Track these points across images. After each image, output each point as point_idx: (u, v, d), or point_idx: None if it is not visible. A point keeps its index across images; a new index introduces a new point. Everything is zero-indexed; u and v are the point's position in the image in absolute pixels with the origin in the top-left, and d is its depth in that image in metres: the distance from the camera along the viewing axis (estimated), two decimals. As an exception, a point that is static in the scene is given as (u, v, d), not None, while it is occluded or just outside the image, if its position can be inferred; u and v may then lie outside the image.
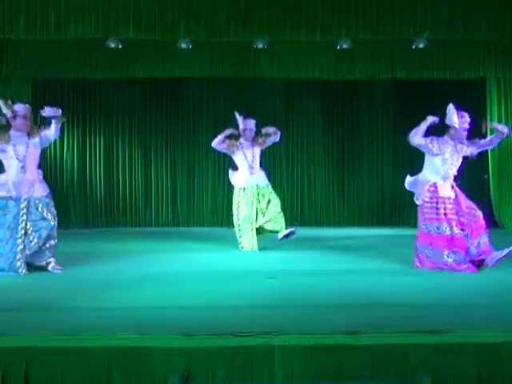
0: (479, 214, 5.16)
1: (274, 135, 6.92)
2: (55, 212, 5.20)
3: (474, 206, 5.20)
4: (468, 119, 5.22)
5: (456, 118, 5.17)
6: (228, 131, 6.84)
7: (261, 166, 6.95)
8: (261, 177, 6.89)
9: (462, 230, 5.06)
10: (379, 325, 3.13)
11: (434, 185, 5.24)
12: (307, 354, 2.84)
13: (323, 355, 2.85)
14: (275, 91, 10.57)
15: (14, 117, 5.08)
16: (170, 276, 4.94)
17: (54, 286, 4.48)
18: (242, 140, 6.83)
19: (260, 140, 6.88)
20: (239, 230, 6.76)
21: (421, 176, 5.39)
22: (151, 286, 4.48)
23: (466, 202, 5.18)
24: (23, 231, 4.98)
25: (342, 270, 5.26)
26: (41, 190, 5.14)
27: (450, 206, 5.13)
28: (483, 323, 3.19)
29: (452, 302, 3.89)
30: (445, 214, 5.12)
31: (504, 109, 9.50)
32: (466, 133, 5.24)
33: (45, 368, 2.82)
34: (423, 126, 5.26)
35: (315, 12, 7.13)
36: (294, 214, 10.61)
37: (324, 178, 10.79)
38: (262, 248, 6.67)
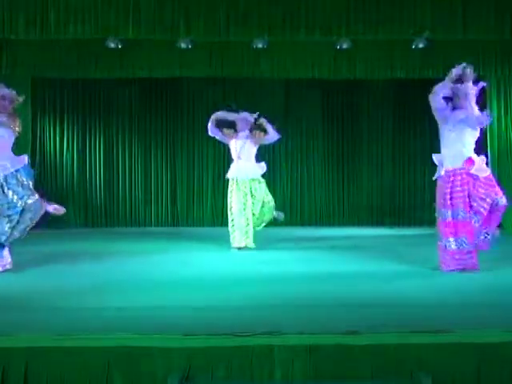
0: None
1: (270, 135, 6.88)
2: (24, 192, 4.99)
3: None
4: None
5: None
6: (213, 116, 6.83)
7: (257, 160, 6.94)
8: (251, 169, 6.83)
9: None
10: (379, 325, 3.13)
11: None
12: (307, 354, 2.84)
13: (323, 355, 2.85)
14: (275, 91, 10.57)
15: None
16: (169, 276, 4.94)
17: (53, 286, 4.48)
18: (238, 131, 6.85)
19: (257, 135, 6.85)
20: (232, 226, 6.71)
21: None
22: (151, 285, 4.48)
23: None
24: None
25: (342, 270, 5.26)
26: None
27: None
28: (483, 323, 3.19)
29: (452, 302, 3.89)
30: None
31: (504, 108, 9.49)
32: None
33: (45, 368, 2.82)
34: None
35: (315, 12, 7.13)
36: (294, 214, 10.63)
37: (324, 177, 10.79)
38: (261, 248, 6.67)
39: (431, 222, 10.05)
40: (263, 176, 7.00)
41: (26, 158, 5.20)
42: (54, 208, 5.11)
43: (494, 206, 4.97)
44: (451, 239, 4.94)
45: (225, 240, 6.84)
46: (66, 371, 2.82)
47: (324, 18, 7.14)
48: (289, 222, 10.37)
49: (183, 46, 8.13)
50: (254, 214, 6.73)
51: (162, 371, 2.81)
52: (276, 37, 7.54)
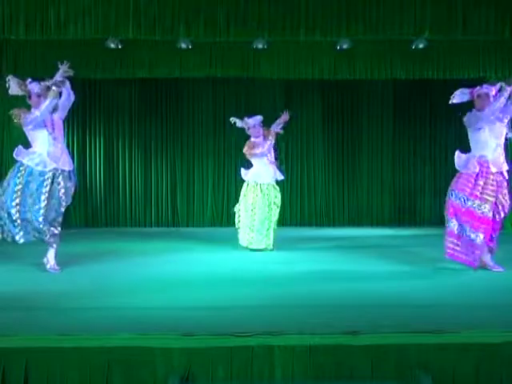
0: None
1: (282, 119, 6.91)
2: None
3: None
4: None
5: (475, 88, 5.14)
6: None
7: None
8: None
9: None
10: (379, 325, 3.14)
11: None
12: (307, 353, 2.84)
13: (323, 355, 2.85)
14: (275, 91, 10.57)
15: (29, 96, 5.12)
16: (169, 276, 4.94)
17: (53, 286, 4.48)
18: (253, 139, 6.85)
19: (266, 132, 6.86)
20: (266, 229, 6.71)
21: None
22: (151, 286, 4.48)
23: None
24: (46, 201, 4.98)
25: (342, 270, 5.26)
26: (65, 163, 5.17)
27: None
28: (483, 323, 3.20)
29: (452, 301, 3.90)
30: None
31: None
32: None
33: (45, 368, 2.82)
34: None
35: (315, 12, 7.13)
36: (294, 214, 10.63)
37: (324, 178, 10.78)
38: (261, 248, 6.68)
39: (431, 222, 10.10)
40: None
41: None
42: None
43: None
44: (480, 234, 5.00)
45: (225, 240, 6.84)
46: (66, 371, 2.83)
47: (324, 18, 7.13)
48: (289, 222, 10.40)
49: (183, 46, 8.13)
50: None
51: (161, 371, 2.82)
52: (276, 37, 7.53)
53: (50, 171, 5.04)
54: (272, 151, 6.92)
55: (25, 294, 4.21)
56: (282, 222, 10.17)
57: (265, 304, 3.83)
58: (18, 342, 2.88)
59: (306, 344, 2.86)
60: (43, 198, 4.97)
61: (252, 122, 6.84)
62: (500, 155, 5.14)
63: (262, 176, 6.78)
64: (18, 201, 4.91)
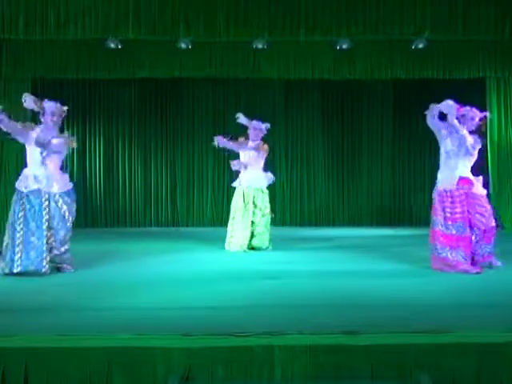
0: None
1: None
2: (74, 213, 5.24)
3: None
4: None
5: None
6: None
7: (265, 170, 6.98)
8: (256, 178, 6.85)
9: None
10: (379, 325, 3.13)
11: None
12: (307, 353, 2.84)
13: (323, 355, 2.84)
14: (275, 91, 10.57)
15: (43, 113, 5.11)
16: (169, 276, 4.94)
17: (53, 287, 4.48)
18: (245, 140, 6.87)
19: (261, 147, 6.84)
20: (232, 231, 6.74)
21: None
22: (151, 286, 4.48)
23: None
24: (46, 225, 5.00)
25: (342, 270, 5.26)
26: (61, 186, 5.16)
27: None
28: (483, 323, 3.19)
29: (452, 302, 3.89)
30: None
31: (504, 109, 9.50)
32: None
33: (45, 368, 2.82)
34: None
35: (315, 12, 7.14)
36: (294, 214, 10.63)
37: (324, 178, 10.79)
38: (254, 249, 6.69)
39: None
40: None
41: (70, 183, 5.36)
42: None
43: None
44: (447, 250, 5.02)
45: (225, 240, 6.83)
46: (66, 371, 2.82)
47: (324, 18, 7.14)
48: (289, 222, 10.41)
49: (183, 46, 8.13)
50: (253, 223, 6.71)
51: (162, 371, 2.81)
52: (276, 37, 7.54)
53: (45, 193, 5.05)
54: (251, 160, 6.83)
55: (25, 294, 4.21)
56: (282, 222, 10.23)
57: (265, 304, 3.83)
58: (17, 342, 2.88)
59: (305, 344, 2.86)
60: (44, 220, 5.00)
61: (259, 125, 6.80)
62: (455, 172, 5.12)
63: (245, 180, 6.81)
64: (21, 226, 4.96)
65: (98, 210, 10.53)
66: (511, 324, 3.14)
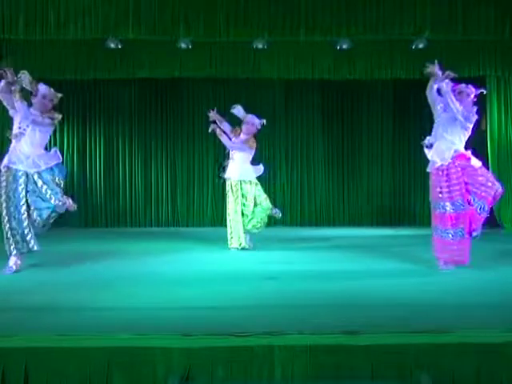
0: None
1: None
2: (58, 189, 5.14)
3: None
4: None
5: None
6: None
7: (256, 162, 6.97)
8: (242, 171, 6.83)
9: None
10: (379, 325, 3.14)
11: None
12: (307, 353, 2.84)
13: (323, 355, 2.85)
14: (275, 91, 10.57)
15: (36, 95, 5.12)
16: (169, 276, 4.94)
17: (53, 286, 4.48)
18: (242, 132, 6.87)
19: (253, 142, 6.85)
20: (230, 226, 6.76)
21: None
22: (151, 286, 4.48)
23: None
24: (25, 207, 5.00)
25: (342, 270, 5.26)
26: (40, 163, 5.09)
27: None
28: (483, 323, 3.19)
29: (452, 302, 3.89)
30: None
31: (504, 108, 9.50)
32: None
33: (44, 368, 2.82)
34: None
35: (315, 12, 7.13)
36: (294, 214, 10.63)
37: (324, 177, 10.79)
38: (261, 248, 6.67)
39: (431, 221, 10.08)
40: (261, 177, 6.99)
41: (59, 156, 5.28)
42: (70, 205, 5.15)
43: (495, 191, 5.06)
44: (450, 230, 5.00)
45: (225, 240, 6.83)
46: (66, 371, 2.82)
47: (324, 18, 7.13)
48: (289, 222, 10.40)
49: (183, 46, 8.12)
50: (244, 215, 6.73)
51: (162, 371, 2.81)
52: (276, 37, 7.54)
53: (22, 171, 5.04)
54: (238, 151, 6.83)
55: (24, 294, 4.20)
56: (282, 222, 10.22)
57: (265, 304, 3.83)
58: (18, 342, 2.88)
59: (305, 344, 2.86)
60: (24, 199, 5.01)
61: (251, 119, 6.80)
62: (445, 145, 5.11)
63: (232, 173, 6.81)
64: (24, 207, 5.00)
65: (98, 210, 10.53)
66: (511, 324, 3.14)
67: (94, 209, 10.52)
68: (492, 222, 8.25)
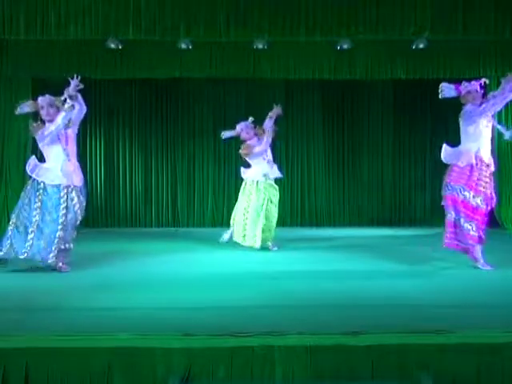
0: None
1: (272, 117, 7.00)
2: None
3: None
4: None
5: (461, 85, 5.26)
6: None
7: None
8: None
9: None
10: (379, 325, 3.14)
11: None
12: (307, 354, 2.84)
13: (323, 355, 2.85)
14: (275, 91, 10.56)
15: (42, 108, 5.20)
16: (170, 276, 4.95)
17: (54, 287, 4.48)
18: (248, 142, 6.91)
19: (260, 131, 6.92)
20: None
21: None
22: (151, 286, 4.48)
23: None
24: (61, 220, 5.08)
25: (342, 270, 5.26)
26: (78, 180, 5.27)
27: None
28: (483, 323, 3.20)
29: (452, 302, 3.89)
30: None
31: (504, 107, 9.48)
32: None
33: (45, 368, 2.82)
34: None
35: (315, 12, 7.12)
36: (294, 214, 10.63)
37: (324, 177, 10.78)
38: (262, 248, 6.67)
39: (432, 222, 10.08)
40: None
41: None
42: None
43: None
44: (462, 216, 5.16)
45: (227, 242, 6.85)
46: (66, 371, 2.83)
47: (324, 17, 7.12)
48: (289, 222, 10.40)
49: (183, 46, 8.12)
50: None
51: (162, 371, 2.81)
52: (276, 37, 7.53)
53: (64, 187, 5.13)
54: (269, 150, 6.93)
55: (25, 293, 4.21)
56: (282, 222, 10.20)
57: (265, 304, 3.83)
58: (18, 342, 2.88)
59: (305, 344, 2.86)
60: (61, 214, 5.07)
61: (239, 128, 6.93)
62: (489, 148, 5.37)
63: (258, 174, 6.82)
64: (37, 217, 5.05)
65: (98, 210, 10.52)
66: (511, 324, 3.14)
67: (94, 209, 10.50)
68: (492, 221, 8.25)
